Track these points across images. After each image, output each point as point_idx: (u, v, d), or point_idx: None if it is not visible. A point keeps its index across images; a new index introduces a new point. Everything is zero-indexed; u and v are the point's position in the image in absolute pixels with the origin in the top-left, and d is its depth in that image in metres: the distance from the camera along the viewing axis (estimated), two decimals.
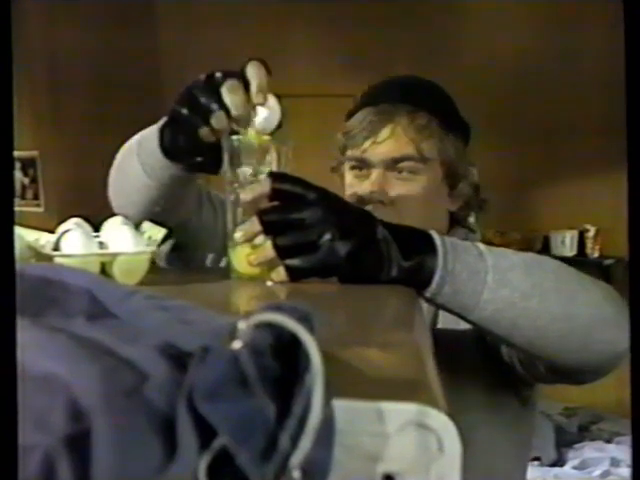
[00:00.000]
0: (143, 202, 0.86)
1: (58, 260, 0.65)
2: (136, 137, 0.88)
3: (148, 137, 0.84)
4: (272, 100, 0.76)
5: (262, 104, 0.75)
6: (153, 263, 0.72)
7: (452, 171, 1.02)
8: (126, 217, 0.77)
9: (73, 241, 0.67)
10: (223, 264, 0.93)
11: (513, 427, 0.97)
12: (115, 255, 0.68)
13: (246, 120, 0.74)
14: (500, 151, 3.86)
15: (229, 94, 0.73)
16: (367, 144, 1.00)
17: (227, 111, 0.73)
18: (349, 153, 1.03)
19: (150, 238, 0.72)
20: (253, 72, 0.75)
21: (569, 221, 3.87)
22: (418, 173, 0.99)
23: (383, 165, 0.99)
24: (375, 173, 0.99)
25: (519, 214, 4.00)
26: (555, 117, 3.85)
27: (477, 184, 1.08)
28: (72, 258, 0.66)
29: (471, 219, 1.10)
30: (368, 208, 0.93)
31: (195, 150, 0.79)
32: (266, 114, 0.76)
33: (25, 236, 0.67)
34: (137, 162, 0.85)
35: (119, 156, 0.90)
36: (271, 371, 0.24)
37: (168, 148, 0.81)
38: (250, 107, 0.74)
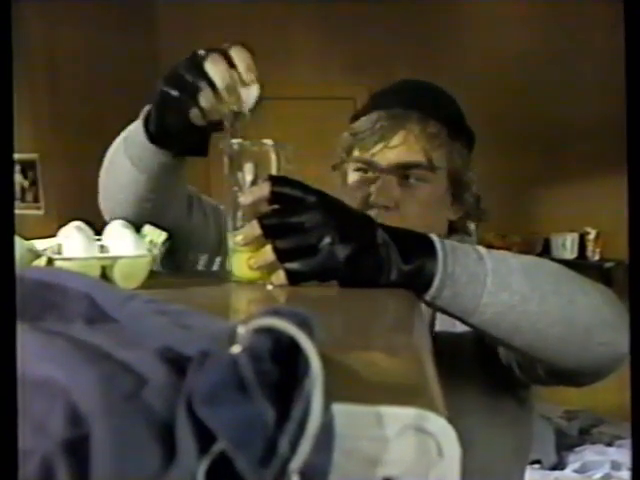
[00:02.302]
0: (133, 199, 0.86)
1: (59, 264, 0.65)
2: (121, 134, 0.88)
3: (134, 130, 0.85)
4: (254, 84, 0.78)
5: (253, 82, 0.76)
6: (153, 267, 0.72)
7: (457, 180, 1.03)
8: (116, 219, 0.77)
9: (74, 245, 0.67)
10: (215, 267, 0.93)
11: (511, 429, 0.97)
12: (116, 259, 0.68)
13: (232, 95, 0.75)
14: (500, 153, 3.86)
15: (213, 67, 0.74)
16: (377, 148, 0.99)
17: (213, 87, 0.74)
18: (356, 154, 1.03)
19: (151, 242, 0.72)
20: (239, 54, 0.76)
21: (570, 224, 3.87)
22: (425, 181, 0.99)
23: (391, 170, 0.99)
24: (382, 178, 0.99)
25: (520, 217, 4.01)
26: (556, 119, 3.85)
27: (478, 195, 1.08)
28: (73, 262, 0.66)
29: (470, 224, 1.10)
30: (373, 212, 0.94)
31: (183, 132, 0.80)
32: (248, 91, 0.77)
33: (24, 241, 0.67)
34: (124, 157, 0.85)
35: (106, 157, 0.90)
36: (270, 376, 0.24)
37: (155, 133, 0.82)
38: (235, 81, 0.76)
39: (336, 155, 1.08)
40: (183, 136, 0.80)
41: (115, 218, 0.86)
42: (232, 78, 0.75)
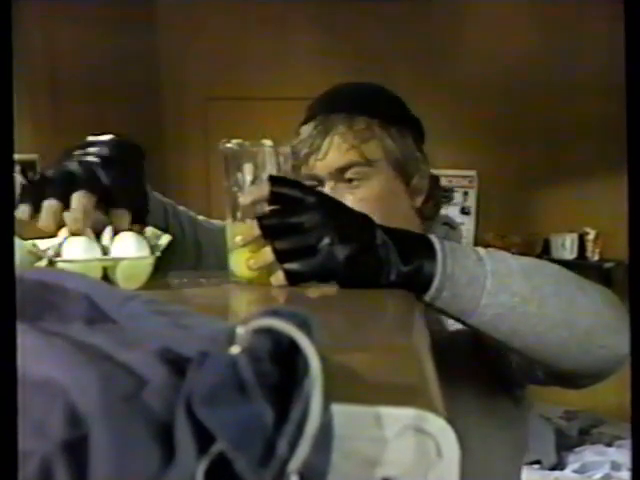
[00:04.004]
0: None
1: (61, 265, 0.65)
2: None
3: None
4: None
5: (77, 233, 0.71)
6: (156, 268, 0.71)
7: (402, 168, 1.01)
8: None
9: (75, 246, 0.67)
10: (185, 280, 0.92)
11: (507, 428, 0.97)
12: (118, 260, 0.68)
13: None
14: (500, 154, 3.87)
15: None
16: (313, 159, 0.99)
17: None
18: (302, 171, 1.02)
19: (156, 245, 0.72)
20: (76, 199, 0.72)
21: (569, 224, 3.87)
22: (368, 178, 0.99)
23: (332, 178, 0.99)
24: (327, 187, 0.99)
25: (519, 217, 4.01)
26: (555, 120, 3.85)
27: (434, 176, 1.07)
28: (75, 263, 0.66)
29: (453, 217, 1.09)
30: None
31: None
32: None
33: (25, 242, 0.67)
34: None
35: None
36: (269, 376, 0.24)
37: None
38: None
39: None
40: None
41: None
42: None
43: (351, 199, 0.98)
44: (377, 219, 0.89)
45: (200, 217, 1.03)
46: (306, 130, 1.02)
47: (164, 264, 0.89)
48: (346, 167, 0.98)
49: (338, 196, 0.97)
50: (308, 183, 1.01)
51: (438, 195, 1.07)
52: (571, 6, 3.70)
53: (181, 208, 0.99)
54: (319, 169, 0.99)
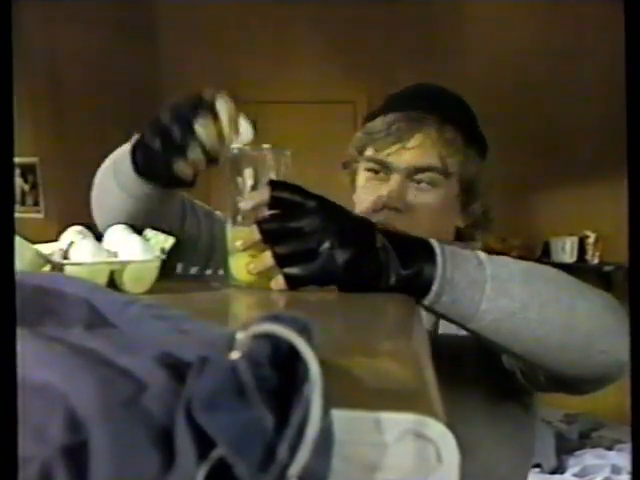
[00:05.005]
0: (123, 218, 0.84)
1: (68, 269, 0.65)
2: (111, 156, 0.88)
3: (122, 156, 0.85)
4: (243, 122, 0.78)
5: (236, 133, 0.77)
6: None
7: (469, 188, 1.02)
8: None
9: (83, 249, 0.67)
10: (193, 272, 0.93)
11: (514, 435, 0.97)
12: (126, 263, 0.68)
13: (220, 150, 0.77)
14: (500, 156, 3.85)
15: (203, 129, 0.75)
16: (393, 148, 0.98)
17: (202, 145, 0.76)
18: (368, 154, 1.01)
19: (162, 249, 0.72)
20: (222, 105, 0.77)
21: (569, 227, 3.88)
22: (437, 186, 0.98)
23: (405, 172, 0.98)
24: (395, 179, 0.98)
25: (519, 220, 4.00)
26: (555, 121, 3.85)
27: (489, 205, 1.07)
28: (82, 267, 0.66)
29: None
30: (382, 214, 0.94)
31: (171, 178, 0.80)
32: (239, 137, 0.78)
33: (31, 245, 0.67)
34: (113, 181, 0.85)
35: (97, 176, 0.90)
36: (269, 381, 0.24)
37: (142, 171, 0.82)
38: (223, 138, 0.77)
39: (347, 154, 1.07)
40: (169, 179, 0.81)
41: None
42: (219, 135, 0.77)
43: (416, 199, 0.98)
44: (427, 227, 0.89)
45: (217, 212, 1.03)
46: (392, 118, 1.00)
47: (176, 259, 0.90)
48: (425, 169, 0.98)
49: (405, 191, 0.97)
50: (370, 166, 1.01)
51: (484, 225, 1.08)
52: (571, 6, 3.70)
53: (197, 202, 0.99)
54: (397, 159, 0.98)
